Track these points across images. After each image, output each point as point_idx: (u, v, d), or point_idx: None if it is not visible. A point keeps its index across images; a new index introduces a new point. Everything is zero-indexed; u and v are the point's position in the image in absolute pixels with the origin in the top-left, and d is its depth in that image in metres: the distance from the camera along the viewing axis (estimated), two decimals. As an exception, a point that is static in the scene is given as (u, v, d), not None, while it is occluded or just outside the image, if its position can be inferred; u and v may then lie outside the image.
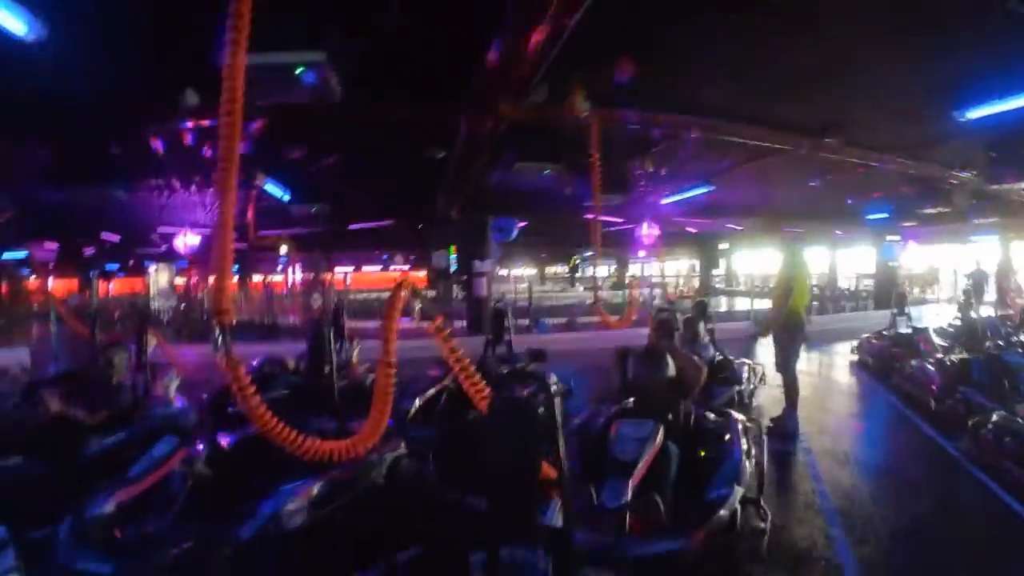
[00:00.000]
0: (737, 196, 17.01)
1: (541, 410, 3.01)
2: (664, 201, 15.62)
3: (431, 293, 27.06)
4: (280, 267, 24.57)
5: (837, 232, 24.67)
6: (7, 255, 18.98)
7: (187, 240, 17.72)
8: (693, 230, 24.39)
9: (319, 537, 4.39)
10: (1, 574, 3.39)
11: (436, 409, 7.09)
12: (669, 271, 38.50)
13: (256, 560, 4.06)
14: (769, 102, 9.01)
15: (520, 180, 11.66)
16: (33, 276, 19.82)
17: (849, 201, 18.04)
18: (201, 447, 4.67)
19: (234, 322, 3.58)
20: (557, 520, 2.87)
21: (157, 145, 9.73)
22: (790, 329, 8.01)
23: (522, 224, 16.91)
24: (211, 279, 3.56)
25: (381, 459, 5.13)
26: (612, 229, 20.67)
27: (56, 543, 4.00)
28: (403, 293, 4.18)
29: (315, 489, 4.49)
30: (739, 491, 4.26)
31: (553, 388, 6.51)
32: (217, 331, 3.44)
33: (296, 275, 24.50)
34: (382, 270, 37.72)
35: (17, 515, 4.07)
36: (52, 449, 5.46)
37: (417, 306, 4.32)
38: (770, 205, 18.14)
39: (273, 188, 12.06)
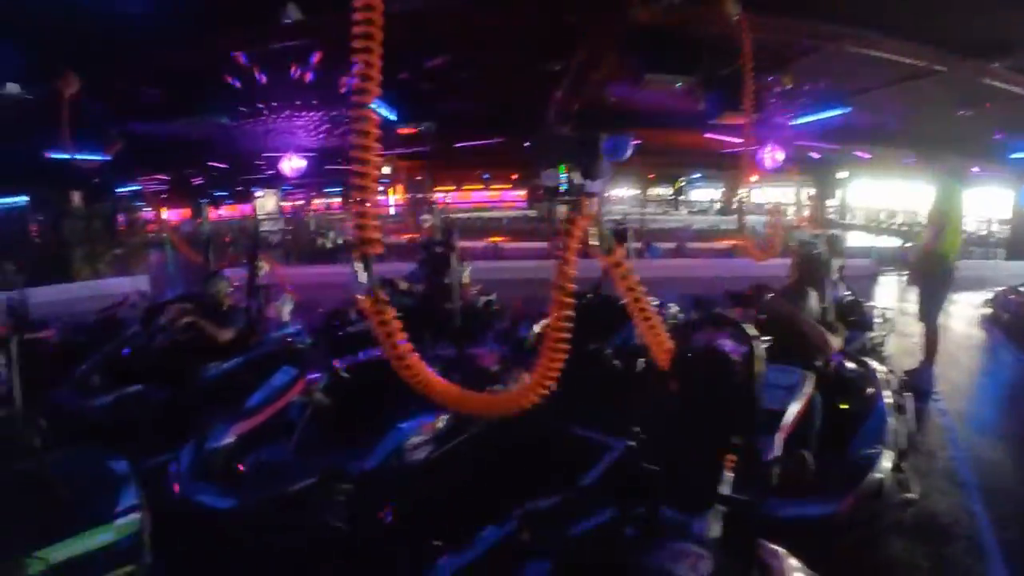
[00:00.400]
0: (873, 121, 15.49)
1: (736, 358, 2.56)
2: (793, 122, 14.42)
3: (532, 213, 26.78)
4: (382, 187, 24.64)
5: (974, 169, 22.62)
6: (123, 188, 19.61)
7: (292, 164, 17.95)
8: (816, 156, 22.83)
9: (442, 473, 4.16)
10: (124, 510, 3.29)
11: None
12: (776, 198, 36.80)
13: (377, 495, 3.85)
14: (932, 15, 7.94)
15: (639, 94, 10.92)
16: (147, 207, 20.54)
17: (997, 136, 16.23)
18: (320, 376, 4.47)
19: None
20: (729, 487, 2.46)
21: (258, 68, 9.61)
22: (937, 275, 7.17)
23: (635, 142, 16.07)
24: (355, 206, 3.06)
25: (503, 390, 4.74)
26: (727, 151, 19.56)
27: (176, 475, 3.93)
28: (584, 221, 3.61)
29: (439, 423, 4.23)
30: (888, 453, 3.77)
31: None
32: (360, 264, 3.03)
33: (399, 195, 24.56)
34: (483, 189, 37.36)
35: (139, 443, 4.21)
36: (171, 374, 5.48)
37: (597, 235, 3.76)
38: (908, 133, 16.60)
39: (379, 108, 11.79)
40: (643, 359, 5.98)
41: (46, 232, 16.18)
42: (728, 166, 22.02)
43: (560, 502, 3.66)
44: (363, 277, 2.95)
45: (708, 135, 15.05)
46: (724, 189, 40.05)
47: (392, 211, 25.32)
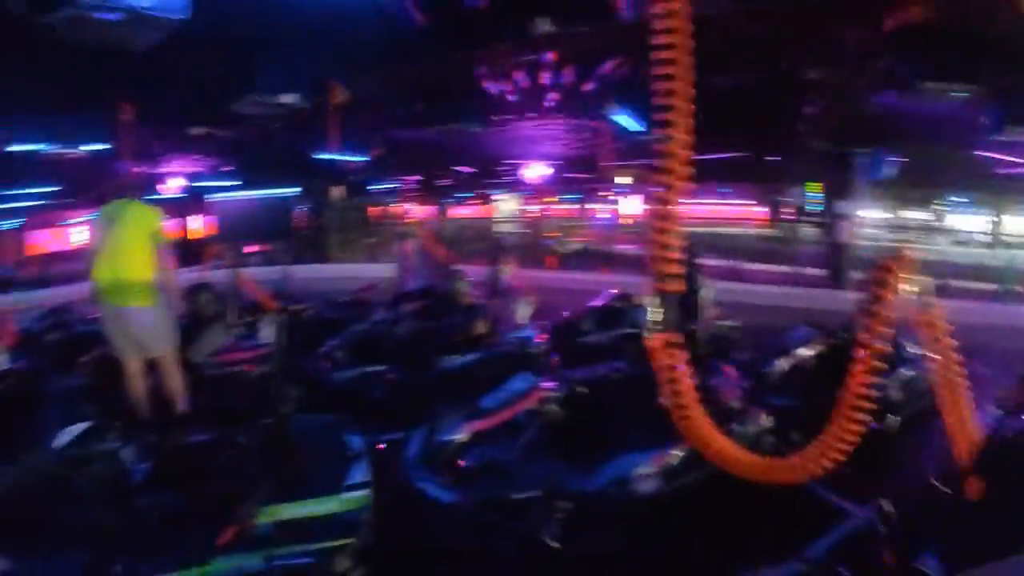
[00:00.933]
0: None
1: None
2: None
3: (772, 233, 25.44)
4: (616, 196, 24.64)
5: None
6: (379, 185, 21.39)
7: (533, 170, 18.56)
8: None
9: (664, 512, 3.84)
10: (354, 485, 3.43)
11: (803, 375, 5.81)
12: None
13: (595, 520, 3.69)
14: None
15: (907, 105, 9.86)
16: (397, 203, 22.24)
17: None
18: (555, 386, 4.39)
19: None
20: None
21: (506, 81, 9.92)
22: None
23: (894, 159, 14.52)
24: (655, 236, 2.68)
25: (742, 431, 4.25)
26: (1006, 171, 17.09)
27: (404, 459, 4.05)
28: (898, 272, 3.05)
29: (671, 458, 3.88)
30: None
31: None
32: (655, 300, 2.74)
33: (631, 205, 24.37)
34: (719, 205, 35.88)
35: (373, 419, 4.45)
36: (409, 360, 5.74)
37: (913, 289, 3.21)
38: None
39: (624, 119, 11.76)
40: (895, 416, 5.29)
41: (308, 219, 17.92)
42: (1005, 189, 19.53)
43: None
44: (656, 315, 2.68)
45: (982, 152, 13.41)
46: (994, 217, 35.37)
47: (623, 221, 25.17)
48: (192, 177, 21.33)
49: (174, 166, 20.96)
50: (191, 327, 6.55)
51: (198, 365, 6.17)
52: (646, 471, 3.79)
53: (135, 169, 16.04)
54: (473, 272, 7.33)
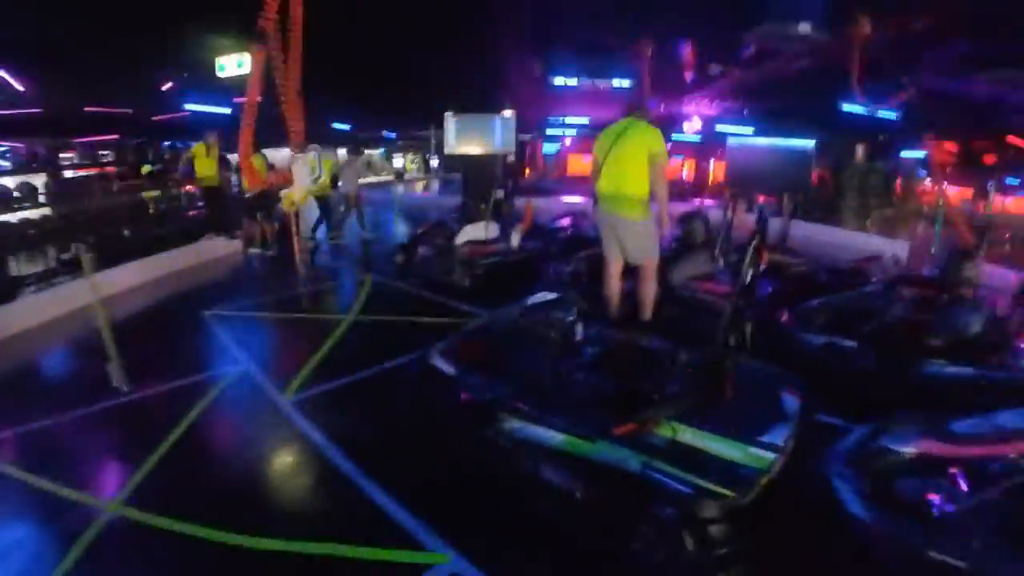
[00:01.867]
0: None
1: None
2: None
3: None
4: None
5: None
6: (909, 151, 18.79)
7: None
8: None
9: None
10: (766, 444, 3.18)
11: None
12: None
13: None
14: None
15: None
16: (928, 178, 19.03)
17: None
18: None
19: None
20: None
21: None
22: None
23: None
24: None
25: None
26: None
27: (831, 450, 3.58)
28: None
29: None
30: None
31: None
32: None
33: None
34: None
35: (822, 391, 4.10)
36: (886, 349, 5.08)
37: None
38: None
39: None
40: None
41: (824, 176, 16.91)
42: None
43: None
44: None
45: None
46: None
47: None
48: (708, 118, 22.11)
49: (692, 106, 22.04)
50: (678, 249, 7.01)
51: (673, 285, 6.52)
52: None
53: (653, 100, 16.93)
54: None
